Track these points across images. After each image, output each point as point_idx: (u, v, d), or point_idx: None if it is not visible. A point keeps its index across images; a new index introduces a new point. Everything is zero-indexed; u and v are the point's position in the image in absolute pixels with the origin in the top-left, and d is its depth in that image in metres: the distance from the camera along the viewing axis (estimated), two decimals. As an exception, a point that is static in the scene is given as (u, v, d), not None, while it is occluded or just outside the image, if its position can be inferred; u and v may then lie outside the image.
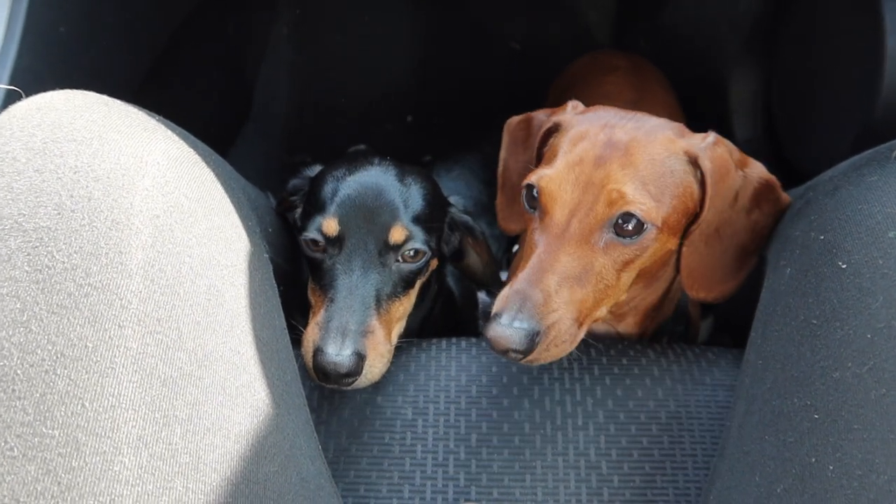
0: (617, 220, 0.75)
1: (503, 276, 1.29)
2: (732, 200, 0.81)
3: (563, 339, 0.75)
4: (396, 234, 0.83)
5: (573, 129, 0.81)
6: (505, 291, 0.76)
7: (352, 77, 1.86)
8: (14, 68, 0.76)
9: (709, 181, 0.78)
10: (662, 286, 0.92)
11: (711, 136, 0.81)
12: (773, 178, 0.84)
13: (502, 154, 0.96)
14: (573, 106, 0.87)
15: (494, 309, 0.75)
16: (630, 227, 0.75)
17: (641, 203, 0.74)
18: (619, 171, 0.75)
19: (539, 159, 0.87)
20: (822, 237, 0.70)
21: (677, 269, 0.86)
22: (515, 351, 0.73)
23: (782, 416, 0.63)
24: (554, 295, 0.74)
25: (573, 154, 0.77)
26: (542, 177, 0.78)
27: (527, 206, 0.80)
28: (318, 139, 1.83)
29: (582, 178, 0.76)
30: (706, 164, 0.78)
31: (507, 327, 0.72)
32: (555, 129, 0.85)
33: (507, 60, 1.86)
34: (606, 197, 0.74)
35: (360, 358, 0.77)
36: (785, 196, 0.85)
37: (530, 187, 0.79)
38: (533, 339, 0.72)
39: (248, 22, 1.63)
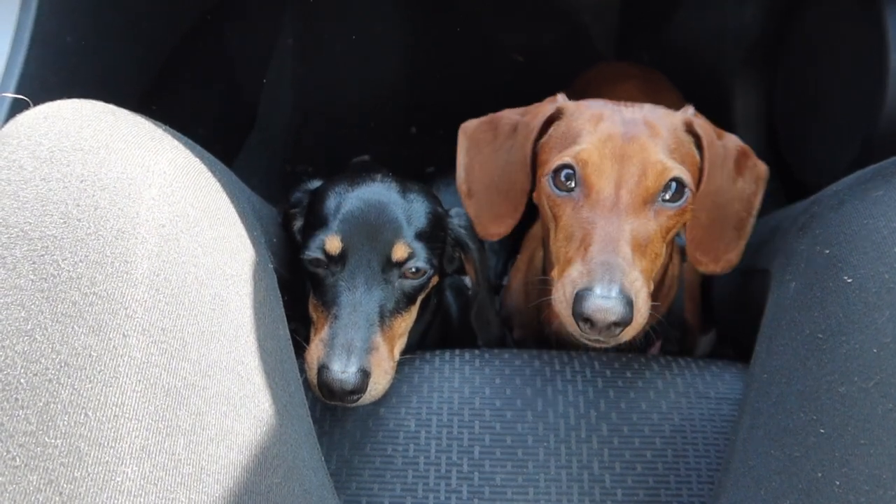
0: (667, 186, 0.77)
1: (504, 280, 1.29)
2: (721, 168, 0.84)
3: (645, 310, 0.72)
4: (399, 252, 0.82)
5: (585, 111, 0.83)
6: (578, 267, 0.72)
7: (355, 88, 1.86)
8: (21, 77, 0.77)
9: (705, 146, 0.82)
10: (659, 271, 0.92)
11: (691, 109, 0.86)
12: (746, 146, 0.88)
13: (462, 160, 0.93)
14: (563, 97, 0.89)
15: (578, 286, 0.70)
16: (674, 192, 0.78)
17: (679, 168, 0.78)
18: (650, 142, 0.77)
19: (534, 153, 0.87)
20: (827, 251, 0.69)
21: (668, 263, 0.88)
22: (617, 324, 0.68)
23: (788, 431, 0.63)
24: (633, 262, 0.72)
25: (599, 132, 0.79)
26: (580, 150, 0.77)
27: (556, 191, 0.79)
28: (321, 150, 1.83)
29: (616, 152, 0.77)
30: (701, 131, 0.82)
31: (606, 298, 0.67)
32: (557, 117, 0.86)
33: (510, 72, 1.87)
34: (653, 169, 0.76)
35: (365, 375, 0.77)
36: (761, 163, 0.88)
37: (562, 168, 0.79)
38: (631, 308, 0.69)
39: (253, 33, 1.63)
